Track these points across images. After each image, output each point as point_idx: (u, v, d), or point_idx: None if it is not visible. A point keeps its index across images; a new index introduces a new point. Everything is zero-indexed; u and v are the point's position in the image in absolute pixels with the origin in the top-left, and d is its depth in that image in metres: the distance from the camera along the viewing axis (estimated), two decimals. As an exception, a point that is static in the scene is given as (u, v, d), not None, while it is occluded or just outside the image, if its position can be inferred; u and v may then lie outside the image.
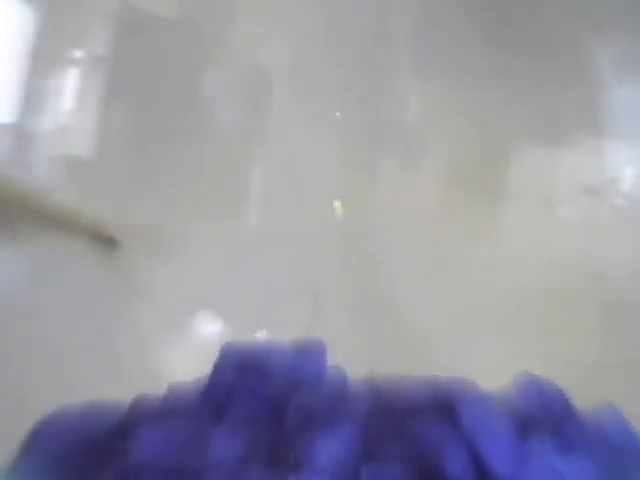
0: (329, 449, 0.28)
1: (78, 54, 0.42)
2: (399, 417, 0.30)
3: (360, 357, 0.31)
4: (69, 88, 0.42)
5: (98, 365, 0.36)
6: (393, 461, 0.28)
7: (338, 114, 0.45)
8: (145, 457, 0.29)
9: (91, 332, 0.37)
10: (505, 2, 0.44)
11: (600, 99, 0.42)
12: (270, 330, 0.42)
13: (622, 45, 0.42)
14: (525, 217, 0.43)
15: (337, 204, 0.45)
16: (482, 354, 0.39)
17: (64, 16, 0.42)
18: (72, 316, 0.38)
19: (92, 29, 0.42)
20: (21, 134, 0.41)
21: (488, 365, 0.36)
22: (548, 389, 0.33)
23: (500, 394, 0.32)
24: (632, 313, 0.38)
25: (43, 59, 0.41)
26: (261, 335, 0.42)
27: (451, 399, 0.31)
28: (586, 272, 0.41)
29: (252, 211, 0.45)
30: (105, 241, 0.29)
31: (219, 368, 0.33)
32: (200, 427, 0.30)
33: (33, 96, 0.41)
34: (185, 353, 0.41)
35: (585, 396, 0.32)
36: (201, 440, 0.30)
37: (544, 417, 0.31)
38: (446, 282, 0.43)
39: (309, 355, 0.32)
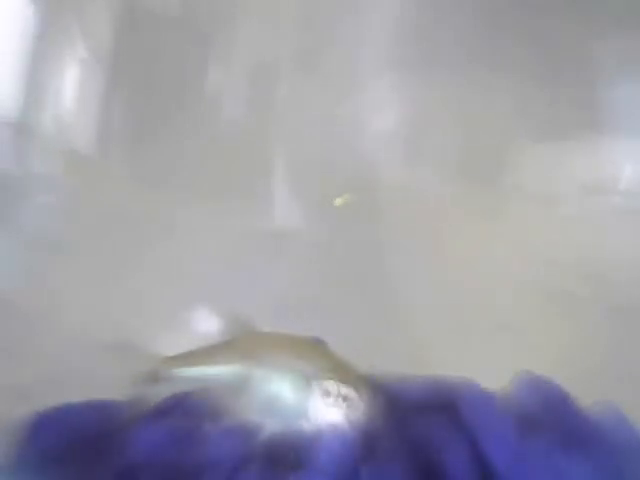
0: (329, 448, 0.28)
1: (79, 51, 0.42)
2: (400, 416, 0.30)
3: (360, 357, 0.31)
4: (70, 85, 0.42)
5: (96, 363, 0.36)
6: (394, 460, 0.28)
7: (338, 112, 0.45)
8: (143, 455, 0.29)
9: (89, 328, 0.37)
10: (506, 2, 0.44)
11: (600, 97, 0.42)
12: (270, 328, 0.42)
13: (622, 44, 0.42)
14: (525, 215, 0.43)
15: (338, 202, 0.45)
16: (482, 353, 0.39)
17: (66, 14, 0.42)
18: (71, 312, 0.38)
19: (94, 26, 0.42)
20: (22, 130, 0.41)
21: (489, 364, 0.36)
22: (549, 387, 0.33)
23: (501, 393, 0.32)
24: (632, 312, 0.38)
25: (44, 57, 0.41)
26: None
27: (452, 398, 0.31)
28: (586, 271, 0.41)
29: (253, 208, 0.45)
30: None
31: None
32: (199, 425, 0.30)
33: (34, 93, 0.41)
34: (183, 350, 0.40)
35: (587, 394, 0.32)
36: (200, 438, 0.30)
37: (545, 415, 0.31)
38: (446, 282, 0.43)
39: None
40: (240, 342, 0.31)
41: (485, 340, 0.40)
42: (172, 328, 0.41)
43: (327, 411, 0.28)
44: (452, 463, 0.28)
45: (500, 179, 0.45)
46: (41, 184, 0.42)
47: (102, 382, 0.34)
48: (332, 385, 0.28)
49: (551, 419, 0.31)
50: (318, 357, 0.29)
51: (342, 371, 0.28)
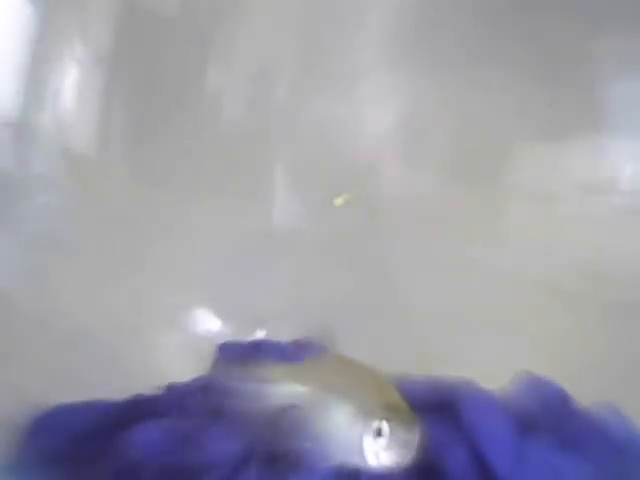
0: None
1: (79, 51, 0.42)
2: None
3: (360, 357, 0.31)
4: (70, 85, 0.42)
5: (96, 363, 0.36)
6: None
7: (338, 112, 0.45)
8: (143, 455, 0.29)
9: (89, 328, 0.37)
10: (506, 2, 0.44)
11: (600, 97, 0.42)
12: (269, 329, 0.42)
13: (622, 42, 0.42)
14: (525, 215, 0.43)
15: (338, 202, 0.45)
16: (482, 353, 0.39)
17: (65, 14, 0.42)
18: (71, 312, 0.38)
19: (94, 26, 0.42)
20: (22, 130, 0.41)
21: (488, 364, 0.36)
22: (548, 388, 0.33)
23: (501, 393, 0.32)
24: (632, 312, 0.38)
25: (44, 57, 0.41)
26: (260, 334, 0.42)
27: (452, 398, 0.31)
28: (586, 270, 0.41)
29: (253, 208, 0.45)
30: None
31: (218, 366, 0.33)
32: (198, 425, 0.30)
33: (34, 93, 0.41)
34: (183, 351, 0.40)
35: (587, 394, 0.32)
36: (199, 438, 0.30)
37: (544, 415, 0.31)
38: (446, 281, 0.43)
39: (308, 353, 0.32)
40: (313, 365, 0.31)
41: (485, 340, 0.40)
42: (172, 328, 0.41)
43: (379, 452, 0.27)
44: (452, 463, 0.28)
45: (500, 179, 0.45)
46: (41, 184, 0.41)
47: (102, 382, 0.34)
48: (386, 426, 0.27)
49: (551, 419, 0.31)
50: (380, 393, 0.28)
51: (400, 411, 0.28)
